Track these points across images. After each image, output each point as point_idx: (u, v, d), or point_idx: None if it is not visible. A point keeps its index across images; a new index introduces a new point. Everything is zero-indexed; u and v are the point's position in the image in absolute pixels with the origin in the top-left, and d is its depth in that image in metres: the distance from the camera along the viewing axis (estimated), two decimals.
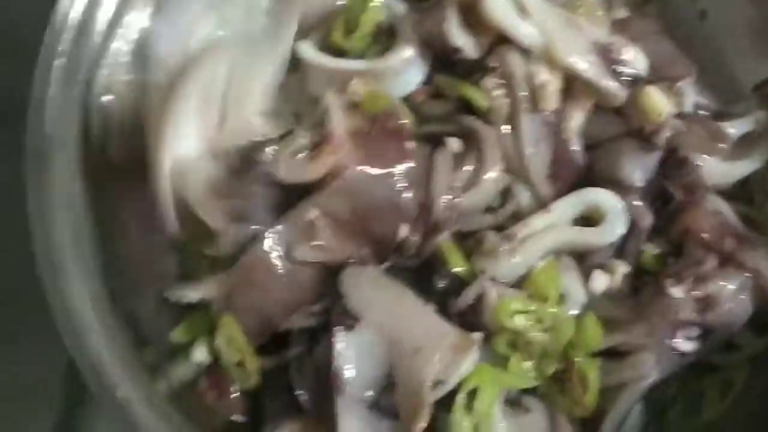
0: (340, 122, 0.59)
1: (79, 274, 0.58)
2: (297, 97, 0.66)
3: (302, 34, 0.69)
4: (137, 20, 0.64)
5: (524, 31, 0.61)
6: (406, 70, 0.64)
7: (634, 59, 0.63)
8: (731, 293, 0.59)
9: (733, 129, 0.65)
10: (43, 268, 0.57)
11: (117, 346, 0.58)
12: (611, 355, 0.61)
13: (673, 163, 0.62)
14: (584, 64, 0.61)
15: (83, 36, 0.60)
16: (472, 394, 0.55)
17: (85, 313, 0.57)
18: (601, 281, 0.61)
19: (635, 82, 0.63)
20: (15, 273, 0.69)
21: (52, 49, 0.59)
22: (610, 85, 0.61)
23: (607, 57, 0.62)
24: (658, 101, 0.63)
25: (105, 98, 0.63)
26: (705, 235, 0.60)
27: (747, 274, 0.60)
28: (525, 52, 0.62)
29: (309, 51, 0.67)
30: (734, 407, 0.64)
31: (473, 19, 0.63)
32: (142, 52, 0.65)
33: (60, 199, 0.58)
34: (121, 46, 0.64)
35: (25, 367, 0.76)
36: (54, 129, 0.58)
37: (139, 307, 0.64)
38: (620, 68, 0.62)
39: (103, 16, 0.62)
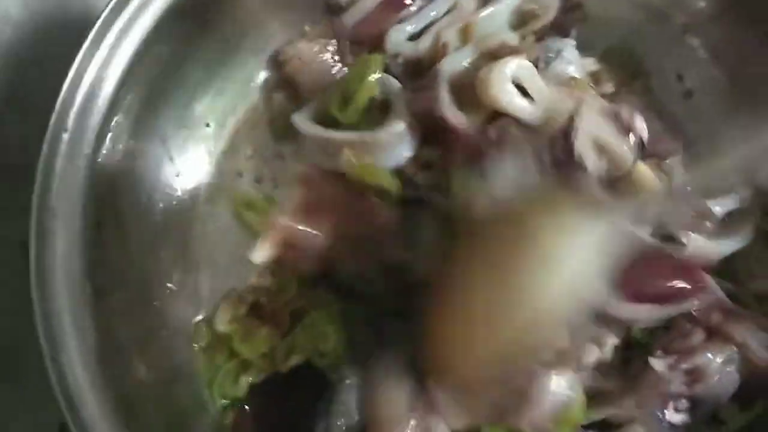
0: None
1: (76, 344, 0.59)
2: None
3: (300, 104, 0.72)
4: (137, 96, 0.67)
5: (529, 110, 0.63)
6: (397, 143, 0.66)
7: (640, 125, 0.64)
8: (719, 366, 0.60)
9: (719, 207, 0.66)
10: (42, 333, 0.58)
11: (110, 418, 0.58)
12: (603, 428, 0.61)
13: (661, 238, 0.63)
14: (605, 131, 0.62)
15: (88, 111, 0.62)
16: None
17: (79, 382, 0.58)
18: (591, 354, 0.61)
19: (642, 148, 0.64)
20: (19, 332, 0.70)
21: (60, 123, 0.61)
22: (624, 150, 0.62)
23: (620, 123, 0.64)
24: (649, 177, 0.65)
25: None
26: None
27: (734, 348, 0.60)
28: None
29: (304, 122, 0.70)
30: None
31: (466, 96, 0.66)
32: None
33: (60, 269, 0.60)
34: (123, 119, 0.66)
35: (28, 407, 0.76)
36: (58, 202, 0.60)
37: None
38: (631, 134, 0.63)
39: (106, 92, 0.64)
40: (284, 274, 0.70)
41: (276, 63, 0.75)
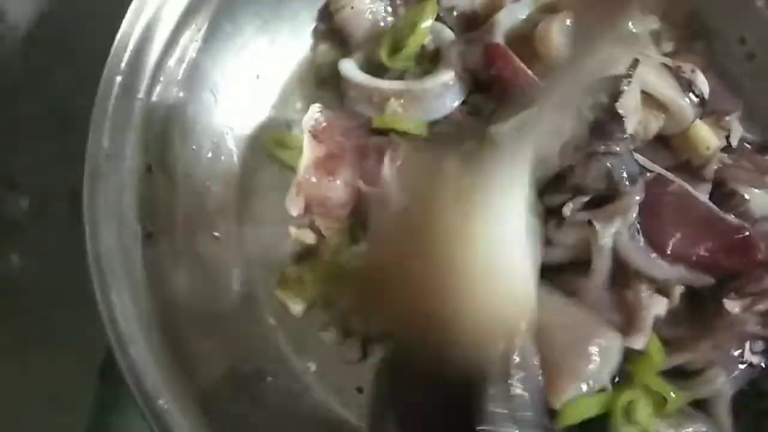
0: None
1: (126, 283, 0.58)
2: None
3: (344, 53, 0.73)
4: (191, 42, 0.67)
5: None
6: (444, 93, 0.66)
7: (701, 82, 0.65)
8: None
9: None
10: (93, 274, 0.57)
11: (160, 358, 0.58)
12: (686, 374, 0.61)
13: (722, 195, 0.62)
14: (664, 86, 0.62)
15: (142, 55, 0.62)
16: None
17: (130, 323, 0.57)
18: (661, 305, 0.60)
19: (702, 104, 0.64)
20: (66, 275, 0.71)
21: (115, 66, 0.61)
22: (684, 104, 0.63)
23: (681, 78, 0.64)
24: (707, 135, 0.65)
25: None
26: (761, 255, 0.59)
27: None
28: None
29: (351, 69, 0.70)
30: None
31: (522, 50, 0.65)
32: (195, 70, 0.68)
33: (111, 209, 0.59)
34: (176, 64, 0.66)
35: (60, 368, 0.77)
36: (111, 143, 0.60)
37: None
38: (691, 89, 0.64)
39: (161, 36, 0.64)
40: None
41: (327, 12, 0.75)
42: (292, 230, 0.70)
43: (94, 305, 0.57)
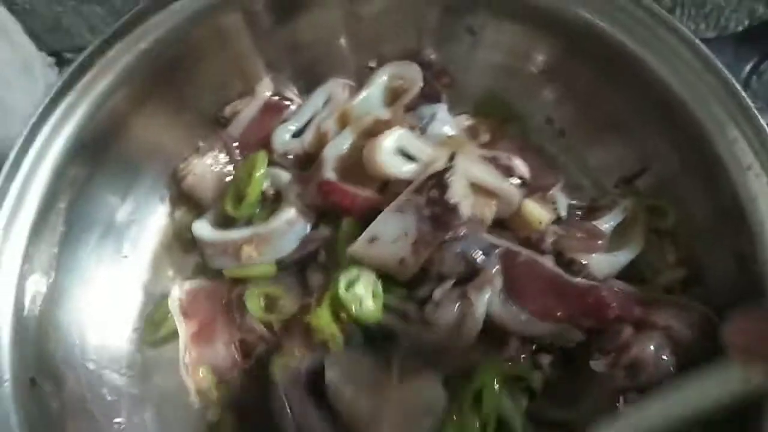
0: None
1: None
2: None
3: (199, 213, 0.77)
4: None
5: (414, 170, 0.67)
6: (290, 229, 0.71)
7: (519, 165, 0.70)
8: (653, 353, 0.62)
9: (607, 224, 0.71)
10: None
11: None
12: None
13: (564, 265, 0.67)
14: (487, 175, 0.67)
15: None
16: None
17: None
18: (535, 378, 0.65)
19: (524, 185, 0.70)
20: None
21: None
22: (508, 188, 0.68)
23: (500, 166, 0.69)
24: (536, 211, 0.71)
25: None
26: (613, 312, 0.64)
27: (661, 332, 0.63)
28: None
29: (202, 228, 0.74)
30: None
31: (354, 174, 0.71)
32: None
33: None
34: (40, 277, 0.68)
35: None
36: None
37: None
38: (512, 174, 0.69)
39: (17, 250, 0.65)
40: None
41: (175, 180, 0.79)
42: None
43: None
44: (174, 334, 0.72)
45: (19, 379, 0.63)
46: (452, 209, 0.64)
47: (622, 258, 0.70)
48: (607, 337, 0.64)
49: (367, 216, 0.67)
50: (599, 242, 0.68)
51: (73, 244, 0.72)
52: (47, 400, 0.66)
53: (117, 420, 0.72)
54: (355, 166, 0.71)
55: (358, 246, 0.65)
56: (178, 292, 0.68)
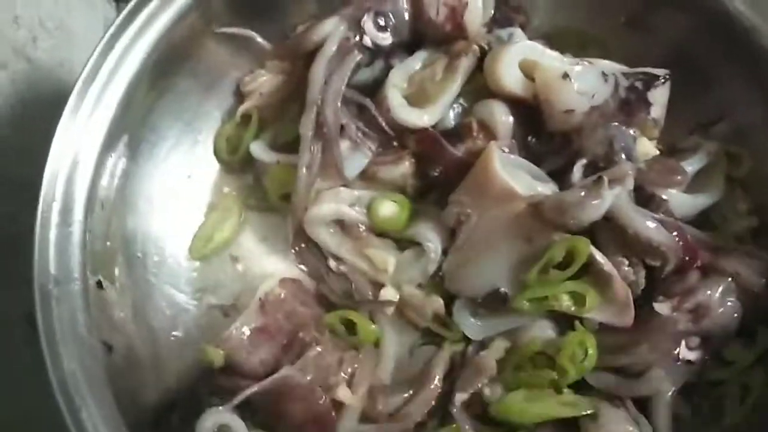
0: None
1: (94, 401, 0.60)
2: None
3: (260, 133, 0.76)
4: (119, 159, 0.70)
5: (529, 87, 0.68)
6: (351, 156, 0.70)
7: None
8: (719, 298, 0.63)
9: (690, 167, 0.70)
10: (60, 400, 0.59)
11: None
12: (628, 376, 0.65)
13: (643, 198, 0.67)
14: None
15: (73, 180, 0.65)
16: None
17: None
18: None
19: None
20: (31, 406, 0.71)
21: (49, 195, 0.63)
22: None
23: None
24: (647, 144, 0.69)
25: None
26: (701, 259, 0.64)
27: (729, 279, 0.64)
28: None
29: (261, 150, 0.74)
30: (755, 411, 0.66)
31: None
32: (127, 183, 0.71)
33: (67, 333, 0.61)
34: (108, 182, 0.69)
35: None
36: (58, 268, 0.62)
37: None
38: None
39: (89, 159, 0.66)
40: None
41: (239, 98, 0.78)
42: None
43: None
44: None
45: (87, 280, 0.64)
46: (647, 106, 0.67)
47: (701, 200, 0.70)
48: (672, 281, 0.64)
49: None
50: (680, 178, 0.68)
51: (141, 159, 0.73)
52: (111, 306, 0.67)
53: (175, 333, 0.74)
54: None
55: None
56: (271, 285, 0.69)
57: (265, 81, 0.76)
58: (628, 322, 0.63)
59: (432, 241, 0.69)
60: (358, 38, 0.68)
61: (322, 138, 0.68)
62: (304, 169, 0.68)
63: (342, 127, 0.68)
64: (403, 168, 0.71)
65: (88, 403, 0.60)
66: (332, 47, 0.68)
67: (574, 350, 0.65)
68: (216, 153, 0.79)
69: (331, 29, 0.68)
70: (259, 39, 0.74)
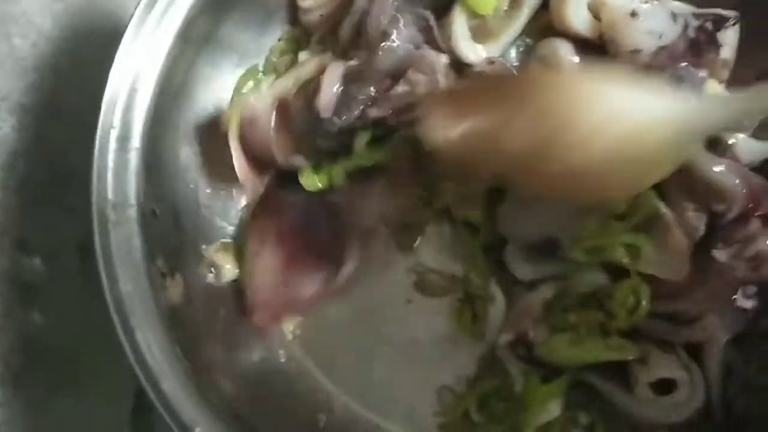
0: None
1: (149, 323, 0.61)
2: None
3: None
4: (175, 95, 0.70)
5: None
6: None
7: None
8: None
9: None
10: (116, 320, 0.60)
11: (190, 389, 0.62)
12: (681, 322, 0.65)
13: (708, 142, 0.64)
14: None
15: (132, 107, 0.65)
16: None
17: (158, 360, 0.61)
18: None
19: None
20: (85, 326, 0.73)
21: (108, 121, 0.64)
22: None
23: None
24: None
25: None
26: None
27: None
28: None
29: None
30: None
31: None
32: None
33: (124, 257, 0.62)
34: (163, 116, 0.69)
35: (92, 418, 0.79)
36: (116, 194, 0.63)
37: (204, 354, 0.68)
38: None
39: (147, 87, 0.66)
40: None
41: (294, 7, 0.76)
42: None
43: (116, 353, 0.60)
44: None
45: (143, 206, 0.65)
46: (716, 47, 0.65)
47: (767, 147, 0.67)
48: (733, 228, 0.62)
49: None
50: (747, 123, 0.66)
51: (198, 91, 0.73)
52: (167, 233, 0.69)
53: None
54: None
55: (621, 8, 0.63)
56: None
57: None
58: (682, 276, 0.63)
59: None
60: None
61: (363, 46, 0.67)
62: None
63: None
64: None
65: (143, 324, 0.61)
66: None
67: (627, 298, 0.64)
68: (265, 68, 0.78)
69: None
70: None
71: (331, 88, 0.65)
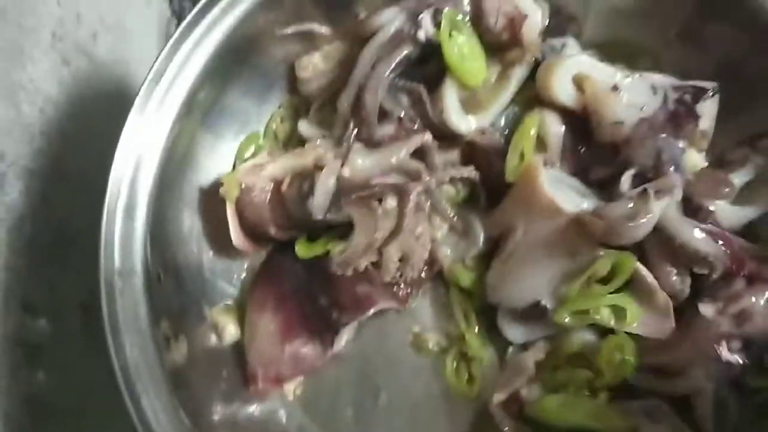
0: None
1: (154, 389, 0.63)
2: None
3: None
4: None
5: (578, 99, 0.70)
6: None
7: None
8: (763, 306, 0.64)
9: (738, 179, 0.71)
10: (122, 386, 0.62)
11: None
12: (668, 374, 0.67)
13: (690, 209, 0.68)
14: None
15: (138, 179, 0.67)
16: None
17: (163, 425, 0.63)
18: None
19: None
20: (88, 386, 0.74)
21: (114, 192, 0.66)
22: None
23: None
24: (695, 157, 0.72)
25: None
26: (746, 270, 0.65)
27: None
28: None
29: (306, 127, 0.76)
30: None
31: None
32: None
33: (130, 323, 0.64)
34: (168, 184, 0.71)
35: None
36: (122, 261, 0.65)
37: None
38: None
39: (153, 157, 0.68)
40: None
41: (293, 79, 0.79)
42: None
43: (119, 411, 0.62)
44: None
45: (149, 273, 0.67)
46: (695, 118, 0.68)
47: (748, 212, 0.71)
48: (718, 286, 0.65)
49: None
50: (727, 190, 0.69)
51: (201, 157, 0.76)
52: (171, 297, 0.71)
53: None
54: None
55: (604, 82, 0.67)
56: None
57: (319, 63, 0.76)
58: (666, 334, 0.65)
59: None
60: (413, 31, 0.69)
61: (359, 118, 0.70)
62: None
63: (387, 114, 0.70)
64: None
65: (149, 389, 0.63)
66: (386, 35, 0.70)
67: (612, 354, 0.67)
68: (266, 134, 0.81)
69: (390, 18, 0.70)
70: (322, 29, 0.76)
71: (325, 196, 0.68)
